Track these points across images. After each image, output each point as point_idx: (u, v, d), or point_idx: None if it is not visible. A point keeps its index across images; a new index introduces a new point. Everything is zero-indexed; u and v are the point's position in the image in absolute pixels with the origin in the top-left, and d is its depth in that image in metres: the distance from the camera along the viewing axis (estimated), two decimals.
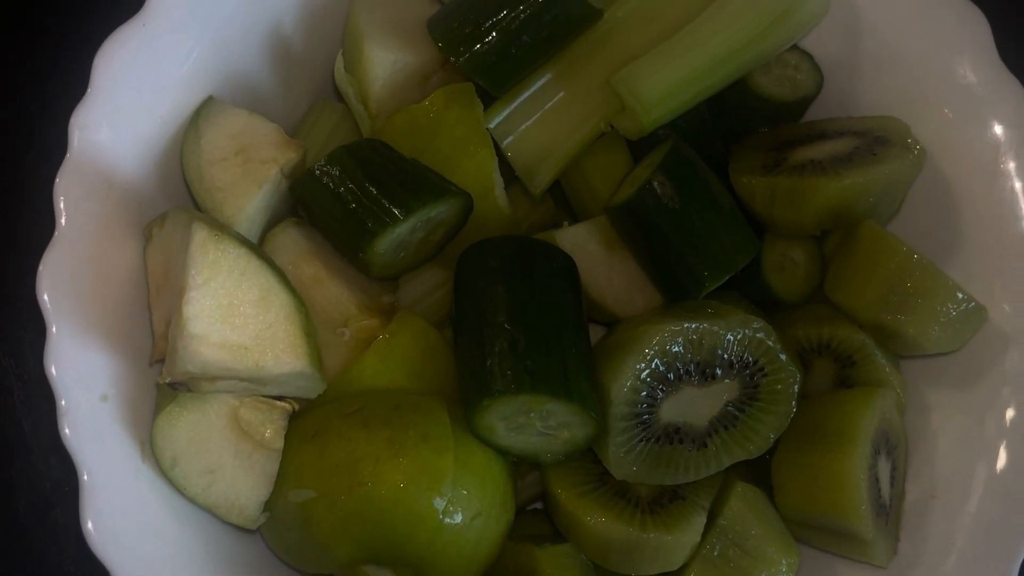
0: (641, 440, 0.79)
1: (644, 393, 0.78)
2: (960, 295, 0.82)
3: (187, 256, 0.73)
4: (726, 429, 0.80)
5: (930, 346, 0.85)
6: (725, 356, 0.79)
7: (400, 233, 0.80)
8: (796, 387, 0.80)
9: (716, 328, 0.79)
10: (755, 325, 0.79)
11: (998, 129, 0.86)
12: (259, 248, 0.80)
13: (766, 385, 0.80)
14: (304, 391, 0.79)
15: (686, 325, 0.78)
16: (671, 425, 0.80)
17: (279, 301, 0.76)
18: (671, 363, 0.78)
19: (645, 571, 0.82)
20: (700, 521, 0.80)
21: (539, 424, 0.78)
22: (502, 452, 0.81)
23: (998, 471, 0.83)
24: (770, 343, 0.79)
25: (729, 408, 0.80)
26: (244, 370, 0.74)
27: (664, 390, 0.79)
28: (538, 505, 0.94)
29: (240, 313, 0.74)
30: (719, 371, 0.80)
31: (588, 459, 0.83)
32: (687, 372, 0.79)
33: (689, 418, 0.80)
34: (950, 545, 0.82)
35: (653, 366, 0.78)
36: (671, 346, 0.78)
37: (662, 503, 0.82)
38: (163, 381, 0.76)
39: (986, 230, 0.87)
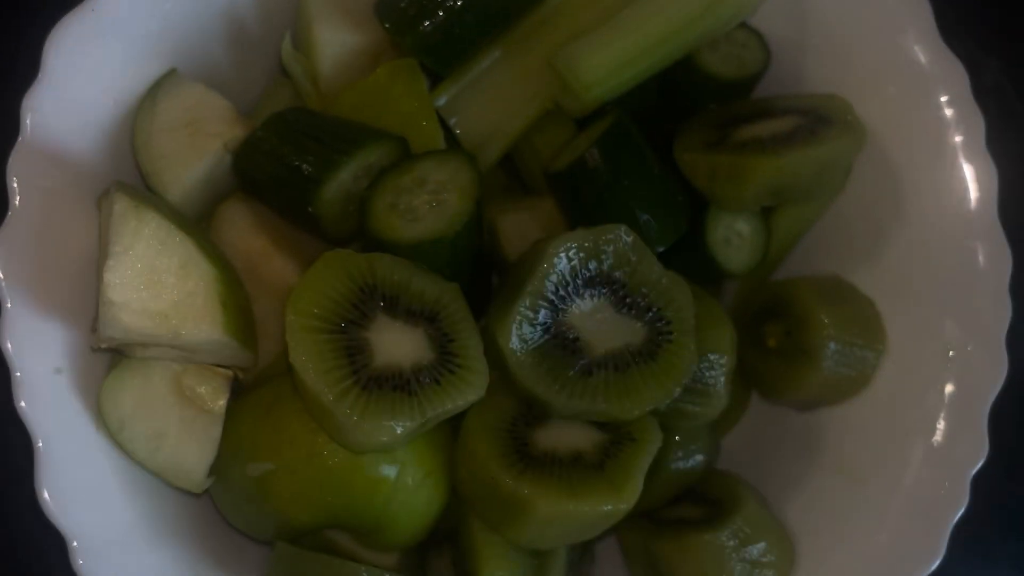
0: (542, 326, 0.79)
1: (566, 271, 0.79)
2: None
3: (109, 225, 0.76)
4: (615, 370, 0.80)
5: None
6: (645, 292, 0.81)
7: (344, 179, 0.81)
8: (685, 376, 0.80)
9: (652, 260, 0.81)
10: (681, 289, 0.81)
11: (942, 106, 0.87)
12: (185, 219, 0.82)
13: (666, 352, 0.80)
14: (236, 361, 0.82)
15: (634, 239, 0.80)
16: (572, 330, 0.80)
17: (199, 270, 0.78)
18: (601, 257, 0.80)
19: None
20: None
21: (425, 196, 0.80)
22: (414, 252, 0.79)
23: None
24: (684, 314, 0.81)
25: (628, 351, 0.80)
26: (165, 337, 0.76)
27: (583, 280, 0.80)
28: None
29: (160, 281, 0.76)
30: (635, 304, 0.81)
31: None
32: (610, 280, 0.80)
33: (590, 336, 0.80)
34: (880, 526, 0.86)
35: (586, 247, 0.80)
36: (607, 245, 0.80)
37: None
38: (92, 347, 0.79)
39: (930, 205, 0.88)
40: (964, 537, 0.84)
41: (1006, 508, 1.11)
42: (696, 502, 0.91)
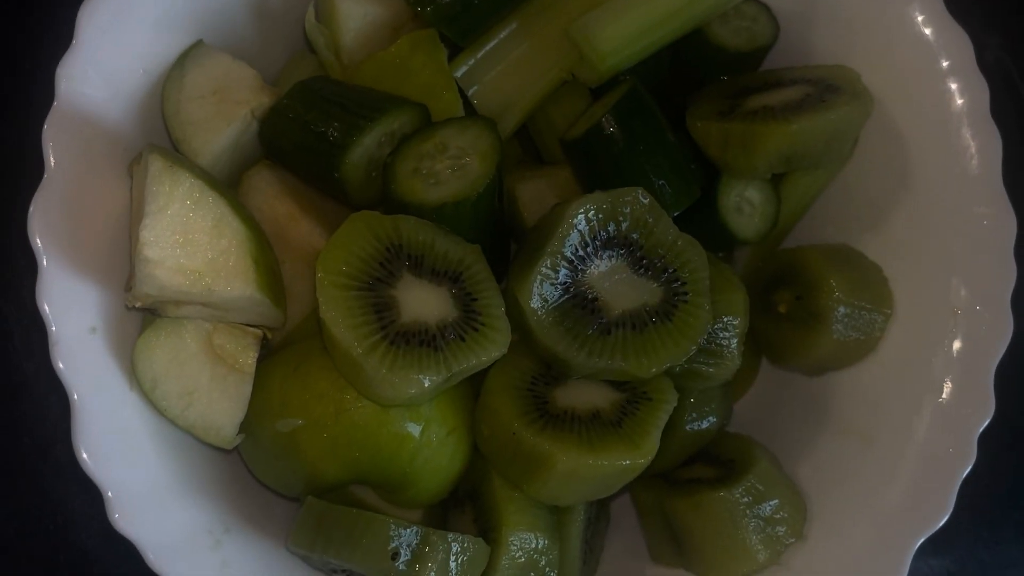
0: (562, 286, 0.82)
1: (586, 231, 0.81)
2: None
3: (144, 185, 0.78)
4: (633, 329, 0.82)
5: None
6: (661, 254, 0.83)
7: (368, 145, 0.84)
8: (701, 335, 0.82)
9: (668, 223, 0.83)
10: (697, 251, 0.84)
11: (946, 76, 0.89)
12: (216, 181, 0.84)
13: (682, 311, 0.83)
14: (266, 319, 0.84)
15: (650, 201, 0.83)
16: (591, 290, 0.83)
17: (231, 229, 0.80)
18: (619, 219, 0.82)
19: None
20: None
21: (446, 161, 0.83)
22: (437, 215, 0.82)
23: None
24: (700, 275, 0.83)
25: (645, 311, 0.83)
26: (198, 294, 0.78)
27: (602, 241, 0.82)
28: None
29: (194, 240, 0.78)
30: (651, 265, 0.83)
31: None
32: (628, 241, 0.83)
33: (608, 296, 0.83)
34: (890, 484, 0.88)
35: (604, 208, 0.82)
36: (625, 207, 0.82)
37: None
38: (128, 305, 0.81)
39: (935, 172, 0.91)
40: (970, 505, 0.86)
41: (1012, 477, 1.13)
42: (709, 463, 0.93)
